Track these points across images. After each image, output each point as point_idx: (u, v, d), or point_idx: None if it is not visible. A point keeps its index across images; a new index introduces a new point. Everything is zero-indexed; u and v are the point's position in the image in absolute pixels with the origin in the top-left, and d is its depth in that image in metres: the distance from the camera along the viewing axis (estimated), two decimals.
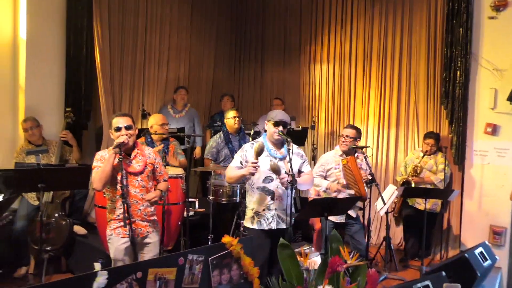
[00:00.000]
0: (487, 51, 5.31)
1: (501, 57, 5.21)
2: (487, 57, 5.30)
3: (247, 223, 3.61)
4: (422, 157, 5.45)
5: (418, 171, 5.38)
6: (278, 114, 3.55)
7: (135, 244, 3.11)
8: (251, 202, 3.57)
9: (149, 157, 3.36)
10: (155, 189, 3.40)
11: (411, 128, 6.04)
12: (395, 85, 6.16)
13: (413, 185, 5.34)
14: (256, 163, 3.29)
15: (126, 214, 3.05)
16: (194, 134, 5.40)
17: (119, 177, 3.10)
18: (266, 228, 3.50)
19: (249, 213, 3.59)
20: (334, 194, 4.36)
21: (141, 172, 3.25)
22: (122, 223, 3.15)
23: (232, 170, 3.52)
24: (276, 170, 3.34)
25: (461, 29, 5.33)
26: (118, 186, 3.12)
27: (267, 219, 3.50)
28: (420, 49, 5.91)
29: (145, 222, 3.27)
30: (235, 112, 5.21)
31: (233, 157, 5.02)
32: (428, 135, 5.50)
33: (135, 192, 3.21)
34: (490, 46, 5.30)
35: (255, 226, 3.52)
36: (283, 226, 3.52)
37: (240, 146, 5.05)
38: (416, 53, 5.97)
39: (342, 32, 6.67)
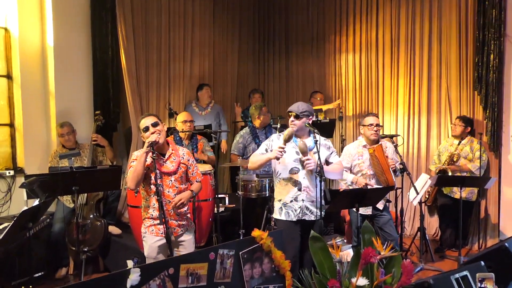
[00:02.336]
0: None
1: None
2: None
3: (276, 214, 3.61)
4: (458, 144, 5.29)
5: (455, 159, 5.21)
6: (294, 105, 3.53)
7: (170, 242, 3.14)
8: (278, 193, 3.56)
9: (183, 157, 3.37)
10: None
11: (443, 115, 5.86)
12: (424, 72, 5.98)
13: (449, 173, 5.19)
14: (283, 148, 3.27)
15: (161, 213, 3.07)
16: (221, 130, 5.40)
17: (153, 177, 3.12)
18: (295, 219, 3.48)
19: (277, 204, 3.59)
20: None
21: (175, 172, 3.28)
22: (156, 222, 3.20)
23: (256, 156, 3.51)
24: (303, 150, 3.30)
25: (494, 10, 5.13)
26: (152, 186, 3.15)
27: (295, 210, 3.48)
28: (451, 33, 5.71)
29: (178, 221, 3.30)
30: (261, 109, 5.12)
31: None
32: (457, 117, 5.42)
33: (168, 192, 3.24)
34: None
35: (283, 217, 3.51)
36: (311, 217, 3.49)
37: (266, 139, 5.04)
38: (446, 38, 5.76)
39: (367, 20, 6.53)
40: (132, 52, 5.54)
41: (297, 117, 3.46)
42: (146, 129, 3.22)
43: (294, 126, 3.46)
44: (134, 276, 1.88)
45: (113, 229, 4.88)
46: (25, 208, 3.30)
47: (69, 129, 4.80)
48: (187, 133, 4.82)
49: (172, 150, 3.34)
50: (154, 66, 5.91)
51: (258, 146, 5.01)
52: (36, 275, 4.25)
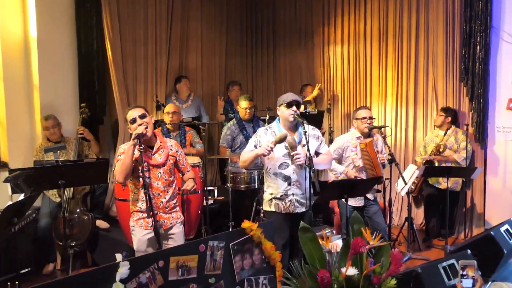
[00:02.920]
0: (509, 24, 5.15)
1: None
2: (508, 30, 5.14)
3: (265, 206, 3.62)
4: (444, 134, 5.34)
5: (441, 150, 5.27)
6: (289, 95, 3.51)
7: (159, 235, 3.12)
8: (269, 187, 3.57)
9: (171, 149, 3.34)
10: (183, 180, 3.44)
11: (430, 106, 5.90)
12: (412, 63, 6.01)
13: (436, 164, 5.25)
14: (272, 148, 3.26)
15: (149, 206, 3.05)
16: (211, 122, 5.38)
17: (141, 169, 3.09)
18: (284, 212, 3.49)
19: (267, 196, 3.59)
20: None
21: (163, 165, 3.25)
22: (144, 215, 3.18)
23: (246, 154, 3.51)
24: (292, 145, 3.29)
25: (480, 2, 5.18)
26: (140, 178, 3.12)
27: (285, 203, 3.49)
28: (438, 25, 5.73)
29: (168, 214, 3.28)
30: (247, 103, 5.13)
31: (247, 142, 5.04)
32: (441, 108, 5.46)
33: (157, 184, 3.21)
34: (511, 19, 5.11)
35: (273, 209, 3.52)
36: (302, 209, 3.51)
37: (255, 131, 5.04)
38: (433, 30, 5.79)
39: (356, 11, 6.52)
40: (118, 44, 5.45)
41: (298, 105, 3.46)
42: (133, 120, 3.17)
43: (295, 117, 3.43)
44: (124, 270, 1.86)
45: (101, 223, 4.84)
46: (10, 203, 3.24)
47: (54, 122, 4.72)
48: (173, 125, 4.80)
49: (160, 142, 3.31)
50: (141, 59, 5.83)
51: (246, 137, 5.02)
52: (23, 271, 4.19)
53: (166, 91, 6.22)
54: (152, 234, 3.14)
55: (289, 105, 3.44)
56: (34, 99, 4.98)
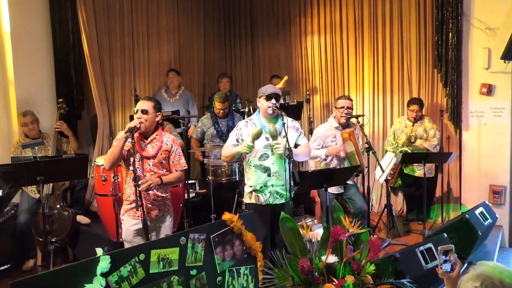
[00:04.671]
0: (479, 10, 5.25)
1: (493, 15, 5.16)
2: (479, 17, 5.25)
3: (245, 198, 3.66)
4: (413, 125, 5.44)
5: (413, 140, 5.37)
6: (268, 88, 3.53)
7: (147, 227, 3.14)
8: (249, 179, 3.60)
9: (166, 144, 3.36)
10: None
11: (406, 94, 5.99)
12: (387, 52, 6.08)
13: None
14: (251, 146, 3.30)
15: (138, 196, 3.08)
16: (188, 116, 5.38)
17: (132, 160, 3.12)
18: (264, 204, 3.53)
19: (247, 189, 3.62)
20: (334, 162, 4.34)
21: (154, 157, 3.27)
22: (132, 205, 3.22)
23: (228, 149, 3.52)
24: (273, 135, 3.32)
25: None
26: (131, 169, 3.16)
27: (265, 195, 3.52)
28: (410, 13, 5.81)
29: (155, 206, 3.31)
30: (220, 105, 5.11)
31: (219, 137, 5.08)
32: (411, 102, 5.45)
33: (145, 176, 3.24)
34: (481, 5, 5.24)
35: (253, 201, 3.56)
36: (282, 201, 3.55)
37: (227, 126, 5.08)
38: (406, 18, 5.87)
39: (331, 1, 6.55)
40: (94, 38, 5.36)
41: (277, 98, 3.50)
42: (136, 111, 3.23)
43: (274, 109, 3.47)
44: (104, 264, 1.87)
45: (82, 219, 4.80)
46: None
47: (32, 118, 4.64)
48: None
49: (156, 135, 3.33)
50: (118, 53, 5.74)
51: (217, 131, 5.07)
52: (2, 267, 4.16)
53: (149, 84, 6.15)
54: (140, 225, 3.17)
55: (268, 97, 3.48)
56: (10, 95, 4.88)
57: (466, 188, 5.50)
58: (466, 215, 4.01)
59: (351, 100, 4.53)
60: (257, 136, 3.28)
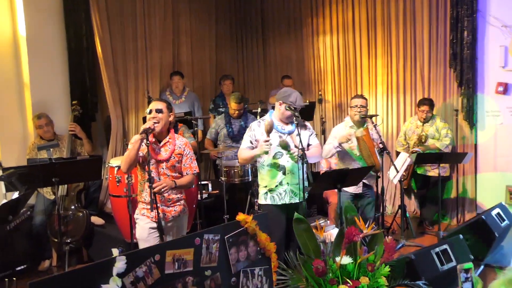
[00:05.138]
0: (495, 7, 5.19)
1: (509, 13, 5.10)
2: (494, 14, 5.18)
3: (260, 200, 3.64)
4: (423, 125, 5.38)
5: (423, 140, 5.31)
6: (298, 99, 3.48)
7: (162, 229, 3.16)
8: (263, 179, 3.59)
9: (179, 147, 3.35)
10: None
11: (419, 93, 5.93)
12: (401, 51, 6.03)
13: None
14: (268, 140, 3.29)
15: (153, 199, 3.11)
16: (202, 117, 5.41)
17: (146, 163, 3.15)
18: (280, 203, 3.52)
19: (262, 190, 3.61)
20: (346, 144, 4.23)
21: (167, 161, 3.28)
22: (148, 206, 3.24)
23: (245, 152, 3.52)
24: (285, 147, 3.33)
25: None
26: (146, 171, 3.17)
27: (280, 194, 3.52)
28: (424, 12, 5.74)
29: (170, 208, 3.33)
30: (236, 105, 5.12)
31: (230, 138, 5.08)
32: (421, 102, 5.39)
33: (159, 179, 3.26)
34: (497, 2, 5.18)
35: (268, 202, 3.55)
36: (296, 200, 3.54)
37: (240, 127, 5.08)
38: (419, 17, 5.80)
39: (343, 1, 6.52)
40: (107, 41, 5.42)
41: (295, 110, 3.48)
42: (149, 112, 3.23)
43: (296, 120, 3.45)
44: (120, 264, 1.88)
45: (96, 220, 4.85)
46: (4, 201, 3.25)
47: (47, 121, 4.71)
48: None
49: (169, 138, 3.33)
50: (131, 55, 5.79)
51: (228, 132, 5.07)
52: (19, 268, 4.21)
53: (161, 86, 6.19)
54: (155, 224, 3.20)
55: (294, 108, 3.45)
56: (25, 98, 4.96)
57: (482, 189, 5.43)
58: (483, 216, 3.94)
59: (365, 99, 4.48)
60: (269, 128, 3.27)
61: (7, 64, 4.87)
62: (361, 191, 4.33)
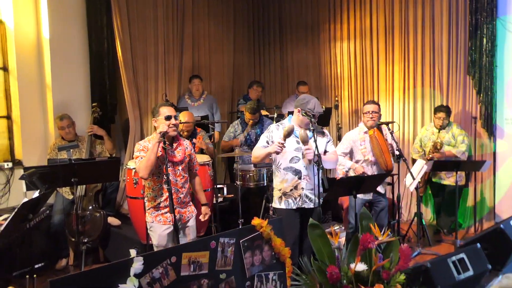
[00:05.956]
0: None
1: None
2: None
3: (275, 203, 3.66)
4: (439, 131, 5.32)
5: (439, 147, 5.25)
6: (316, 105, 3.49)
7: (177, 230, 3.23)
8: (278, 183, 3.60)
9: (187, 147, 3.47)
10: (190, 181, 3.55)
11: (437, 101, 5.88)
12: (419, 58, 5.98)
13: None
14: (283, 143, 3.30)
15: (171, 201, 3.18)
16: (219, 121, 5.44)
17: (162, 166, 3.22)
18: (294, 207, 3.53)
19: (276, 193, 3.63)
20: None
21: (182, 162, 3.37)
22: (163, 211, 3.29)
23: (258, 149, 3.56)
24: (304, 140, 3.32)
25: None
26: (163, 175, 3.23)
27: (295, 198, 3.53)
28: (442, 19, 5.70)
29: (185, 209, 3.41)
30: (250, 116, 5.18)
31: (246, 144, 5.11)
32: (438, 109, 5.34)
33: (176, 180, 3.32)
34: None
35: (283, 206, 3.56)
36: (311, 205, 3.55)
37: (255, 134, 5.12)
38: (438, 23, 5.76)
39: (361, 7, 6.51)
40: (128, 44, 5.52)
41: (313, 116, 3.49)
42: (169, 117, 3.25)
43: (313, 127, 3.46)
44: (137, 265, 1.92)
45: (113, 220, 4.91)
46: (25, 199, 3.32)
47: (69, 122, 4.80)
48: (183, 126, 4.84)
49: (179, 140, 3.45)
50: (151, 58, 5.88)
51: (246, 139, 5.11)
52: (37, 266, 4.29)
53: (179, 89, 6.26)
54: (171, 229, 3.25)
55: (313, 116, 3.47)
56: (47, 99, 5.07)
57: (501, 197, 5.35)
58: (501, 225, 3.88)
59: (378, 105, 4.49)
60: (288, 133, 3.29)
61: (31, 65, 4.99)
62: (371, 198, 4.31)
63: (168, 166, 3.24)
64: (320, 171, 3.36)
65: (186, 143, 3.50)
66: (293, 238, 3.45)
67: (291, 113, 3.77)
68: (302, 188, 3.52)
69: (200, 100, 6.11)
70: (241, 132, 5.26)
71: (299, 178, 3.51)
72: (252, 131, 5.23)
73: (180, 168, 3.35)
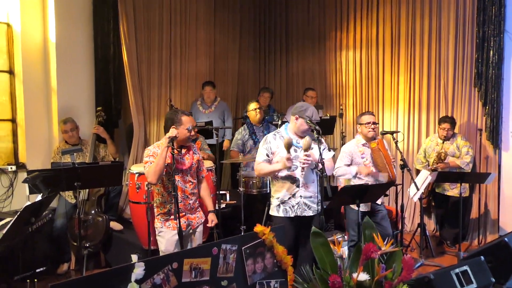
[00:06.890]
0: None
1: None
2: None
3: (272, 211, 3.64)
4: (443, 142, 5.30)
5: (443, 157, 5.22)
6: (314, 113, 3.50)
7: (182, 237, 3.22)
8: (276, 191, 3.60)
9: (195, 153, 3.47)
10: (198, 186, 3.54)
11: (442, 112, 5.85)
12: (424, 69, 5.97)
13: None
14: (290, 158, 3.29)
15: (177, 208, 3.17)
16: (223, 127, 5.44)
17: (171, 172, 3.21)
18: (292, 215, 3.52)
19: (274, 201, 3.61)
20: (365, 179, 4.26)
21: (190, 168, 3.38)
22: (172, 216, 3.28)
23: (264, 165, 3.53)
24: (308, 148, 3.31)
25: (494, 7, 5.16)
26: (172, 181, 3.22)
27: (293, 206, 3.52)
28: (449, 30, 5.70)
29: (194, 215, 3.41)
30: (256, 103, 5.22)
31: (257, 148, 5.08)
32: (442, 120, 5.32)
33: (185, 187, 3.32)
34: None
35: (281, 214, 3.55)
36: (309, 213, 3.54)
37: (264, 136, 5.09)
38: (445, 35, 5.75)
39: (368, 17, 6.52)
40: (133, 49, 5.54)
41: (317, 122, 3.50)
42: (190, 129, 3.29)
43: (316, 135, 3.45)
44: (139, 270, 1.91)
45: (115, 225, 4.90)
46: (28, 203, 3.32)
47: (73, 126, 4.82)
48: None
49: (187, 146, 3.44)
50: (156, 64, 5.92)
51: (255, 142, 5.08)
52: (39, 270, 4.27)
53: (180, 95, 6.27)
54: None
55: (316, 123, 3.47)
56: (52, 102, 5.09)
57: (505, 210, 5.31)
58: (505, 239, 3.84)
59: (374, 115, 4.49)
60: (289, 146, 3.28)
61: (37, 68, 5.03)
62: (369, 209, 4.26)
63: (177, 173, 3.25)
64: (324, 179, 3.35)
65: (194, 148, 3.50)
66: (287, 245, 3.42)
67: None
68: (300, 196, 3.51)
69: (211, 108, 6.12)
70: (249, 137, 5.22)
71: (297, 186, 3.51)
72: (260, 133, 5.19)
73: (189, 174, 3.37)
